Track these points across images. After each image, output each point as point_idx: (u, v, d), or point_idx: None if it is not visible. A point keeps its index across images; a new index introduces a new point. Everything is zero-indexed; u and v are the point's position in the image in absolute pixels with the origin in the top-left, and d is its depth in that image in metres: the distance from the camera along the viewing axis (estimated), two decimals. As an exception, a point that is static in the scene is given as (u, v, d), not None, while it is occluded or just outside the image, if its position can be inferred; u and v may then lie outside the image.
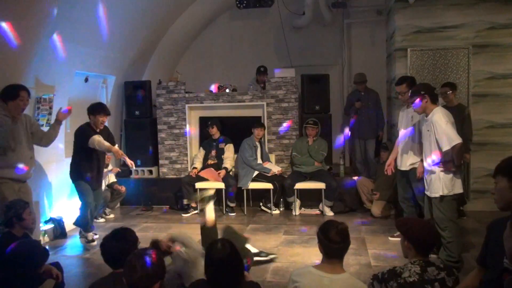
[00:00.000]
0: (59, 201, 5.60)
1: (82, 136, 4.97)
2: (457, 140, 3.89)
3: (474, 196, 6.20)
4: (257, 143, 6.42)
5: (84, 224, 5.10)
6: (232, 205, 6.38)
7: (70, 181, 5.98)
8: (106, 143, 4.86)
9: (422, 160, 4.33)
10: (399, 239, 5.24)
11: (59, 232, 5.32)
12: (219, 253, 2.27)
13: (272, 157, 6.76)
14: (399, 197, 5.00)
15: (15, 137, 4.22)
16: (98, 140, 4.81)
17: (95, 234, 5.27)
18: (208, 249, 2.36)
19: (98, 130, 5.06)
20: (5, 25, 4.04)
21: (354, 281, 2.40)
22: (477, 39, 6.14)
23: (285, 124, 6.76)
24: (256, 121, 6.62)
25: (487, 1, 6.09)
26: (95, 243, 5.05)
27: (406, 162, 4.63)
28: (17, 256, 2.72)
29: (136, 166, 6.93)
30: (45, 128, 5.30)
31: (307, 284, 2.37)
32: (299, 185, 6.14)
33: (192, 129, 7.07)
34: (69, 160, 5.84)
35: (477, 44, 6.14)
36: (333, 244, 2.36)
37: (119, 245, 2.48)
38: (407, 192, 4.86)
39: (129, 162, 5.09)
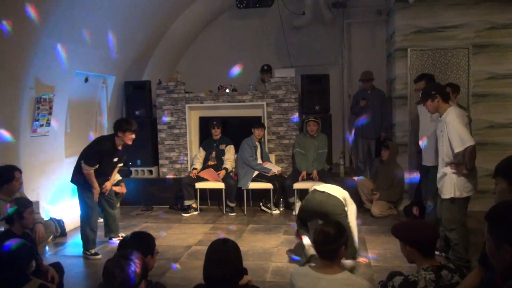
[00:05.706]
0: (59, 201, 5.59)
1: (98, 152, 4.65)
2: (469, 142, 3.80)
3: (474, 196, 6.09)
4: (257, 143, 6.42)
5: (84, 239, 4.70)
6: (232, 205, 6.38)
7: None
8: (94, 183, 4.62)
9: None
10: None
11: (60, 232, 5.31)
12: (220, 252, 2.16)
13: (272, 157, 6.76)
14: (422, 194, 4.98)
15: None
16: (92, 174, 4.60)
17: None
18: (210, 246, 2.23)
19: (120, 148, 4.74)
20: (5, 24, 4.05)
21: (352, 280, 2.36)
22: (477, 39, 6.13)
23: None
24: (256, 121, 6.62)
25: (487, 1, 6.08)
26: (99, 256, 4.65)
27: (432, 157, 4.57)
28: (2, 256, 2.60)
29: (136, 166, 6.99)
30: (45, 128, 5.30)
31: (304, 287, 2.35)
32: (299, 185, 6.12)
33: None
34: (69, 160, 5.79)
35: (477, 44, 6.13)
36: (315, 245, 2.50)
37: (136, 246, 2.32)
38: (428, 190, 4.78)
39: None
